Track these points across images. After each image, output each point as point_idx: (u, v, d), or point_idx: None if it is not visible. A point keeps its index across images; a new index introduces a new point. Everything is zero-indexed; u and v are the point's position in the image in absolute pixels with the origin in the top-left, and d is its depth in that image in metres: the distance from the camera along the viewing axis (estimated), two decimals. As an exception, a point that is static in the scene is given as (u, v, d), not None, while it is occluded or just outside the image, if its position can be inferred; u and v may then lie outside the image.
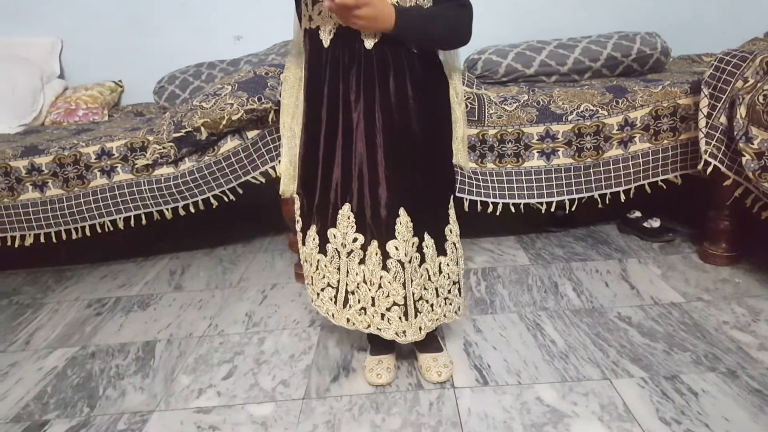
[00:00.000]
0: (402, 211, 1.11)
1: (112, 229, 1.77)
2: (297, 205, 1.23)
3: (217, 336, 1.53)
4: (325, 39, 1.08)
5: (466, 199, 1.73)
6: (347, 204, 1.12)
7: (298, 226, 1.23)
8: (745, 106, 1.44)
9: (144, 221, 1.77)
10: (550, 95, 1.73)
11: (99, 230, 1.78)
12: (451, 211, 1.22)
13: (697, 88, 1.61)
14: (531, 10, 2.35)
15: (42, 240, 1.78)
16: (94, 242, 1.86)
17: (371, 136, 1.09)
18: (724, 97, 1.51)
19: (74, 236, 1.78)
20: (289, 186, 1.27)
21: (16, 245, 1.79)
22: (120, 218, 1.75)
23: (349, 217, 1.13)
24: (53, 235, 1.78)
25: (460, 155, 1.29)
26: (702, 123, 1.55)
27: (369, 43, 1.06)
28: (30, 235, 1.77)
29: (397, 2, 1.04)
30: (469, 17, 1.11)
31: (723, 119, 1.52)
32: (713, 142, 1.54)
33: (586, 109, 1.69)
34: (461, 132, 1.29)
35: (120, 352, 1.49)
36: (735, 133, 1.46)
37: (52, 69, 2.39)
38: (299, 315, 1.60)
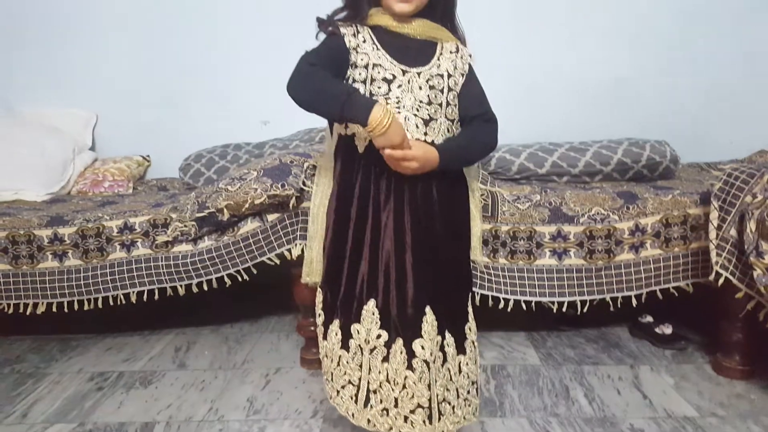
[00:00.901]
0: (428, 309, 1.13)
1: (125, 302, 1.78)
2: (320, 298, 1.24)
3: (217, 422, 1.49)
4: (360, 146, 1.15)
5: (478, 293, 1.74)
6: (372, 300, 1.14)
7: (320, 320, 1.23)
8: (754, 221, 1.47)
9: (157, 296, 1.78)
10: (562, 197, 1.78)
11: (111, 303, 1.79)
12: (470, 309, 1.24)
13: (707, 199, 1.65)
14: (543, 113, 2.47)
15: (54, 309, 1.79)
16: (102, 312, 1.86)
17: (400, 235, 1.13)
18: (734, 210, 1.54)
19: (86, 307, 1.79)
20: (312, 275, 1.28)
21: (28, 312, 1.80)
22: (134, 292, 1.76)
23: (373, 313, 1.14)
24: (66, 304, 1.79)
25: (477, 251, 1.33)
26: (713, 234, 1.58)
27: None
28: (43, 303, 1.79)
29: (426, 138, 1.14)
30: (495, 131, 1.21)
31: (733, 232, 1.55)
32: (724, 254, 1.56)
33: (598, 213, 1.73)
34: (477, 228, 1.34)
35: (118, 432, 1.45)
36: (746, 246, 1.48)
37: (85, 141, 2.51)
38: (302, 404, 1.57)
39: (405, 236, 1.13)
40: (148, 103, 2.61)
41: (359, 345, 1.16)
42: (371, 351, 1.14)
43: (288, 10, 2.49)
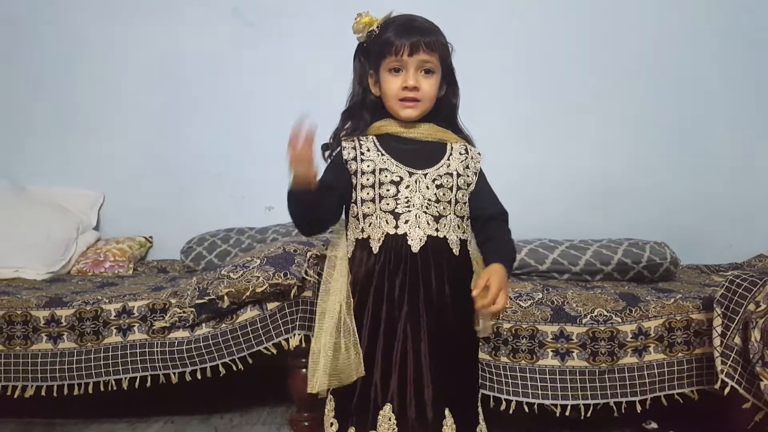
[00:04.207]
0: (447, 413, 1.10)
1: (116, 388, 1.72)
2: (330, 406, 1.18)
3: None
4: (375, 246, 1.16)
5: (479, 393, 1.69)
6: (388, 404, 1.10)
7: (332, 429, 1.15)
8: (759, 330, 1.46)
9: (149, 383, 1.73)
10: (564, 296, 1.78)
11: (102, 388, 1.73)
12: (480, 410, 1.20)
13: (709, 304, 1.65)
14: (543, 210, 2.52)
15: (43, 393, 1.74)
16: (89, 396, 1.79)
17: (416, 334, 1.12)
18: (737, 318, 1.54)
19: (76, 392, 1.73)
20: (322, 383, 1.16)
21: (16, 395, 1.74)
22: (126, 378, 1.72)
23: (390, 419, 1.09)
24: (55, 388, 1.73)
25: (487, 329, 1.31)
26: (717, 342, 1.56)
27: (416, 247, 1.14)
28: (32, 386, 1.73)
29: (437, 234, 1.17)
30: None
31: (737, 340, 1.53)
32: (729, 362, 1.54)
33: (600, 314, 1.72)
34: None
35: None
36: (751, 355, 1.46)
37: (90, 220, 2.54)
38: None
39: (421, 335, 1.12)
40: (154, 185, 2.67)
41: None
42: None
43: (293, 96, 2.60)
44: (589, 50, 2.59)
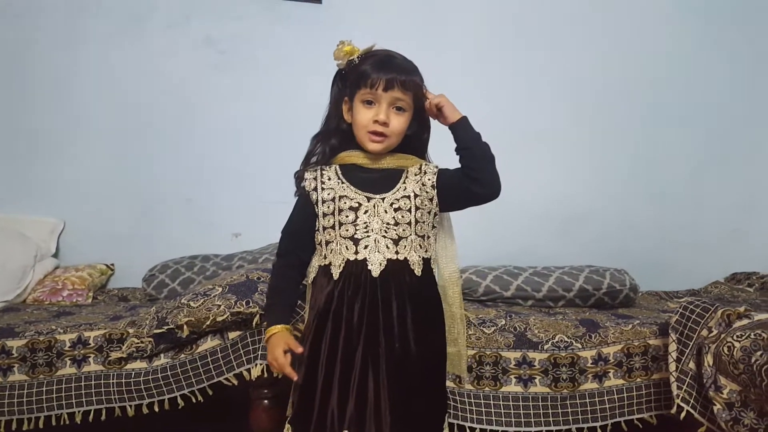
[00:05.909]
0: None
1: (68, 422, 1.66)
2: None
3: None
4: (335, 272, 1.17)
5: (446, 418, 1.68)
6: (346, 431, 1.10)
7: None
8: (711, 355, 1.50)
9: (104, 416, 1.67)
10: (526, 322, 1.80)
11: (54, 423, 1.66)
12: None
13: (666, 330, 1.68)
14: (507, 238, 2.55)
15: (-11, 429, 1.66)
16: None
17: (375, 360, 1.12)
18: (691, 343, 1.58)
19: (26, 427, 1.66)
20: None
21: (-41, 433, 1.66)
22: (80, 411, 1.65)
23: None
24: (3, 424, 1.66)
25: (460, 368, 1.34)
26: (672, 367, 1.60)
27: (376, 271, 1.15)
28: (-23, 422, 1.66)
29: (398, 256, 1.18)
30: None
31: (692, 365, 1.57)
32: (684, 387, 1.57)
33: (561, 340, 1.75)
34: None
35: None
36: (704, 380, 1.49)
37: (49, 247, 2.46)
38: None
39: (379, 360, 1.12)
40: (117, 211, 2.59)
41: None
42: None
43: (262, 122, 2.61)
44: (548, 78, 2.67)
